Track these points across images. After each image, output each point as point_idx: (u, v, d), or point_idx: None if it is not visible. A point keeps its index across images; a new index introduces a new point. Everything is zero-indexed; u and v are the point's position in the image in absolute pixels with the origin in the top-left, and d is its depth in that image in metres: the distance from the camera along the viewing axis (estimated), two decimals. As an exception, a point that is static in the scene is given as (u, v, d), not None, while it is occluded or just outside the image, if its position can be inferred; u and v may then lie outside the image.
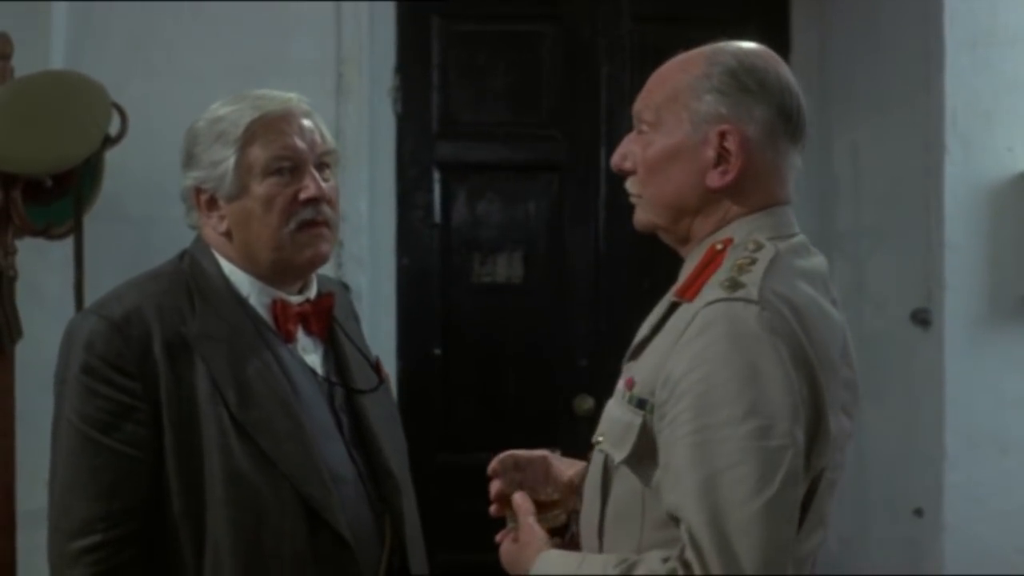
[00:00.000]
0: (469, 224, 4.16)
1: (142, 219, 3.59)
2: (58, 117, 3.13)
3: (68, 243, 3.26)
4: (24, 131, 3.08)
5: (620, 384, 1.79)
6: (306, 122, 2.07)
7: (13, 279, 3.17)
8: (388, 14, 4.06)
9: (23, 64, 3.21)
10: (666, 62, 1.86)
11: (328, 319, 2.16)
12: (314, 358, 2.13)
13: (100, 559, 1.91)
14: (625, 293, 4.11)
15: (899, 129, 3.91)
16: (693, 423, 1.58)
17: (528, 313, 4.16)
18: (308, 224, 2.04)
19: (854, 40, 4.07)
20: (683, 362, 1.61)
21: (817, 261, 1.81)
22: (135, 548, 1.93)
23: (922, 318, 3.78)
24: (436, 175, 4.14)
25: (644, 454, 1.68)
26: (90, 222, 3.28)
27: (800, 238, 1.80)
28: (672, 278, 1.99)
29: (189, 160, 2.06)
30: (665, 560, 1.58)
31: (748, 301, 1.61)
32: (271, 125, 2.04)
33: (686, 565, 1.54)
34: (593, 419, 1.91)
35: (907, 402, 3.82)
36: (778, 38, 4.19)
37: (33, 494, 3.19)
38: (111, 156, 3.29)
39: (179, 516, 1.94)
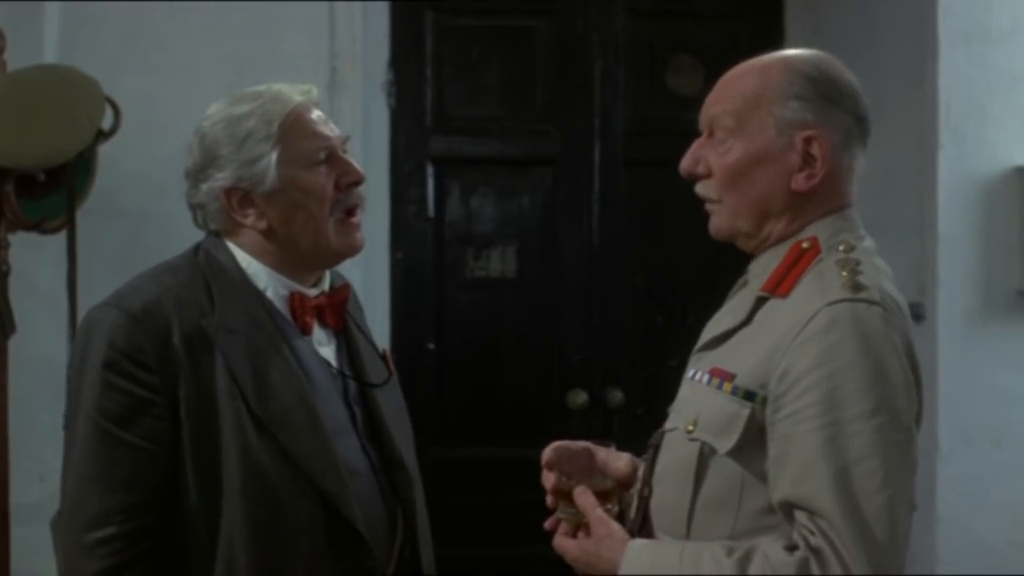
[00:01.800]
0: (463, 219, 4.16)
1: (136, 213, 3.59)
2: (51, 111, 3.13)
3: (61, 237, 3.26)
4: (17, 125, 3.08)
5: (699, 374, 1.86)
6: (321, 112, 2.12)
7: (6, 273, 3.16)
8: (382, 8, 4.05)
9: (16, 58, 3.21)
10: (732, 68, 1.91)
11: (343, 311, 2.17)
12: (328, 351, 2.14)
13: (114, 551, 1.91)
14: (618, 288, 4.12)
15: (893, 123, 3.91)
16: (823, 417, 1.66)
17: (521, 308, 4.16)
18: (349, 212, 2.08)
19: (847, 35, 4.07)
20: (806, 358, 1.69)
21: (882, 260, 1.89)
22: (149, 541, 1.93)
23: (915, 312, 3.77)
24: (430, 169, 4.14)
25: (746, 444, 1.75)
26: (83, 216, 3.27)
27: (871, 239, 1.89)
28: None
29: (211, 164, 2.04)
30: (790, 549, 1.65)
31: (871, 302, 1.71)
32: (301, 117, 2.06)
33: (817, 552, 1.62)
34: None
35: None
36: (771, 32, 4.19)
37: (27, 488, 3.20)
38: (104, 150, 3.28)
39: (195, 509, 1.94)
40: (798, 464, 1.67)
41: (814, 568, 1.62)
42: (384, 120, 4.07)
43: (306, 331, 2.08)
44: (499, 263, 4.17)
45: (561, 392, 4.09)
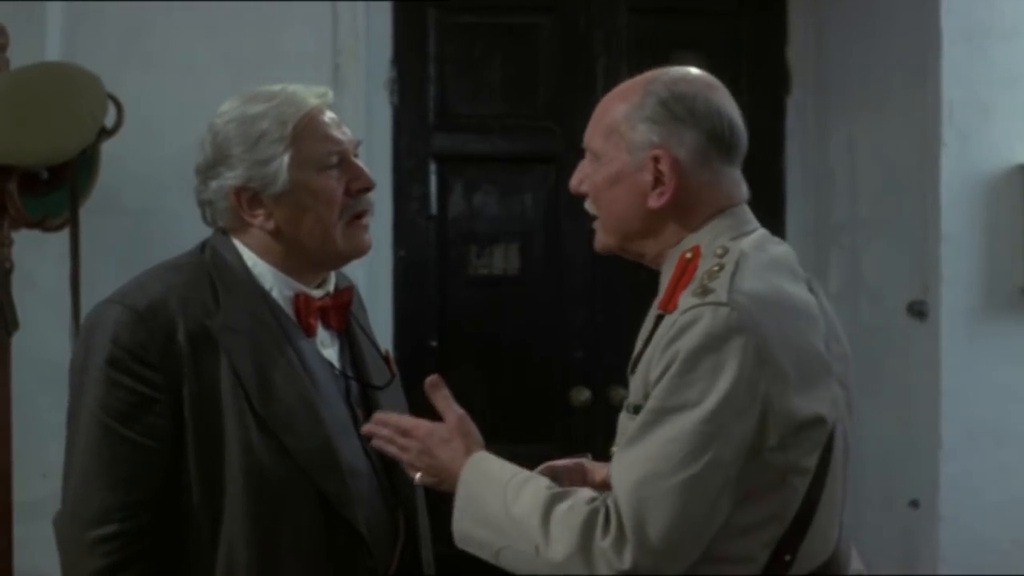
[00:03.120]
0: (465, 216, 4.16)
1: (138, 211, 3.59)
2: (54, 109, 3.13)
3: (64, 235, 3.26)
4: (20, 123, 3.07)
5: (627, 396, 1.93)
6: (335, 115, 2.11)
7: (9, 271, 3.16)
8: (384, 6, 4.06)
9: (19, 56, 3.21)
10: (612, 90, 2.03)
11: (347, 313, 2.17)
12: (331, 352, 2.14)
13: (115, 548, 1.91)
14: (621, 286, 4.11)
15: (896, 121, 3.92)
16: (649, 404, 1.75)
17: (524, 305, 4.16)
18: (358, 215, 2.09)
19: (851, 32, 4.07)
20: (661, 363, 1.76)
21: (780, 250, 1.93)
22: (150, 539, 1.94)
23: (918, 310, 3.79)
24: (432, 167, 4.14)
25: None
26: (86, 214, 3.28)
27: (761, 231, 1.93)
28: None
29: (222, 162, 2.03)
30: (590, 500, 1.74)
31: (718, 304, 1.74)
32: (315, 120, 2.06)
33: (606, 511, 1.71)
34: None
35: (903, 394, 3.82)
36: (774, 29, 4.19)
37: (29, 485, 3.20)
38: (107, 148, 3.28)
39: (196, 508, 1.94)
40: (623, 441, 1.78)
41: (599, 522, 1.70)
42: (386, 118, 4.08)
43: (310, 332, 2.09)
44: (501, 260, 4.17)
45: (564, 389, 4.09)
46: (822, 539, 1.85)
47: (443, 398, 1.99)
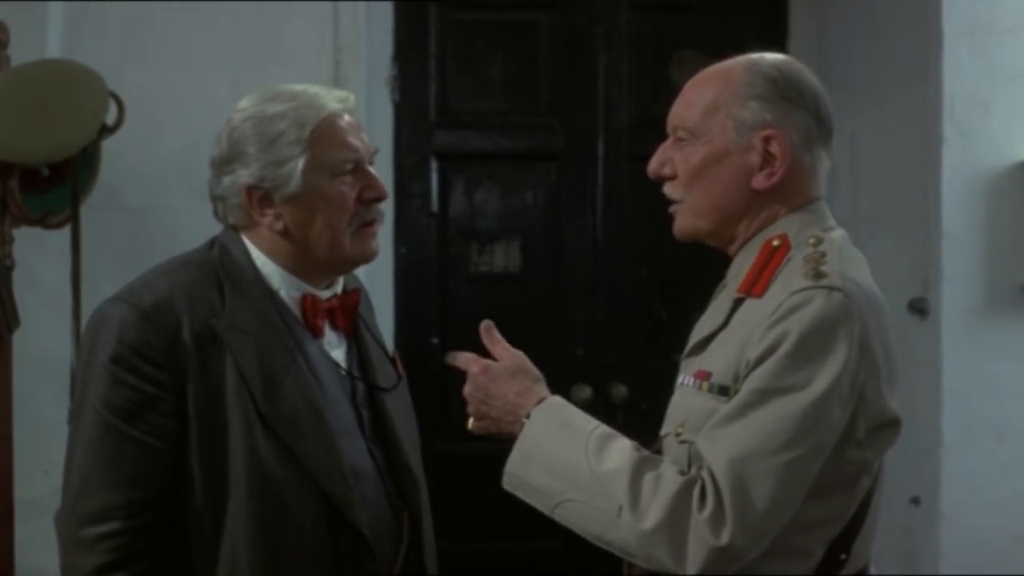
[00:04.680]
0: (467, 213, 4.16)
1: (139, 208, 3.59)
2: (55, 106, 3.13)
3: (65, 232, 3.26)
4: (21, 120, 3.08)
5: (686, 379, 1.90)
6: (355, 120, 2.11)
7: (10, 268, 3.16)
8: (385, 3, 4.05)
9: (20, 53, 3.21)
10: (701, 72, 1.97)
11: (354, 315, 2.17)
12: (338, 353, 2.14)
13: (115, 547, 1.91)
14: (622, 282, 4.11)
15: (897, 118, 3.92)
16: (754, 383, 1.71)
17: (525, 302, 4.15)
18: (367, 223, 2.10)
19: (852, 29, 4.07)
20: (765, 342, 1.73)
21: (857, 250, 1.92)
22: (150, 538, 1.94)
23: (920, 307, 3.79)
24: (434, 164, 4.14)
25: None
26: (87, 211, 3.28)
27: (841, 229, 1.93)
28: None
29: (236, 159, 2.03)
30: (682, 473, 1.71)
31: (832, 288, 1.74)
32: (334, 125, 2.06)
33: (702, 495, 1.67)
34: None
35: (904, 391, 3.76)
36: (776, 26, 4.19)
37: (31, 483, 3.20)
38: (108, 145, 3.28)
39: (199, 507, 1.94)
40: (718, 416, 1.73)
41: (695, 494, 1.67)
42: (387, 115, 4.07)
43: (317, 334, 2.09)
44: (503, 258, 4.17)
45: (565, 387, 4.08)
46: (869, 539, 1.87)
47: (497, 341, 2.05)
